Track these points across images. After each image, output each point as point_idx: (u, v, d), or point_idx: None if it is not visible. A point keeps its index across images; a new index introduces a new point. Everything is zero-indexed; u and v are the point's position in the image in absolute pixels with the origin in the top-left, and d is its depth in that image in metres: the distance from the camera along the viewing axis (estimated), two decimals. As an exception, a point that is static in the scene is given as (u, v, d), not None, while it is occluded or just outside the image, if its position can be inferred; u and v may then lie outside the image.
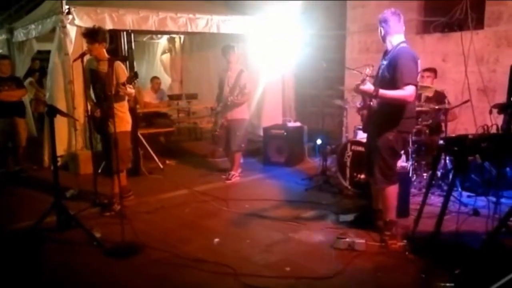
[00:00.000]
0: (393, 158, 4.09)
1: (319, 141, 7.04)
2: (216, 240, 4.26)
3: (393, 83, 3.84)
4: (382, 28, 4.06)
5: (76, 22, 6.60)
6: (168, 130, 8.54)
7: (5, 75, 6.79)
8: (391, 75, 3.88)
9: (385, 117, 3.97)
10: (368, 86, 3.80)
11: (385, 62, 4.02)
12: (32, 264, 3.97)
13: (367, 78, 3.81)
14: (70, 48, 6.64)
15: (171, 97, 9.92)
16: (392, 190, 4.08)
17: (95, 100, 5.15)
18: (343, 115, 6.61)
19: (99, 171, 5.88)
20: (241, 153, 6.59)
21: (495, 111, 4.05)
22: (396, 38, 4.00)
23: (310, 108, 8.75)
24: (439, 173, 5.44)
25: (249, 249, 4.18)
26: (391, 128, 3.95)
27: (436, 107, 5.49)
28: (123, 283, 3.61)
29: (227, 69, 6.38)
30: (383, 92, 3.79)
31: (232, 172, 6.48)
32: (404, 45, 3.97)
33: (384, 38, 4.09)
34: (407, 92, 3.76)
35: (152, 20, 7.27)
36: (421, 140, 5.65)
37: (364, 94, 4.02)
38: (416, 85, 3.88)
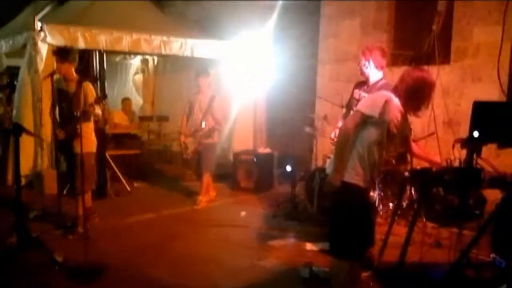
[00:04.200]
0: None
1: (288, 168, 7.08)
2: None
3: None
4: (365, 60, 4.14)
5: (48, 39, 6.51)
6: (136, 152, 8.44)
7: (-27, 91, 6.67)
8: None
9: None
10: None
11: (364, 94, 4.11)
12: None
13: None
14: (41, 66, 6.53)
15: (142, 119, 9.84)
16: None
17: (59, 120, 5.08)
18: (313, 142, 6.68)
19: (64, 192, 5.76)
20: (211, 176, 6.56)
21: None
22: (378, 74, 4.12)
23: (281, 131, 8.81)
24: (404, 204, 5.53)
25: (215, 274, 4.14)
26: None
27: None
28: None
29: (198, 92, 6.39)
30: None
31: (200, 198, 6.43)
32: (384, 81, 4.09)
33: (364, 70, 4.18)
34: None
35: (125, 41, 7.23)
36: (387, 169, 5.74)
37: None
38: None
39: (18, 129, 4.48)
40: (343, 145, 3.13)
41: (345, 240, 3.20)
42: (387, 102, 3.06)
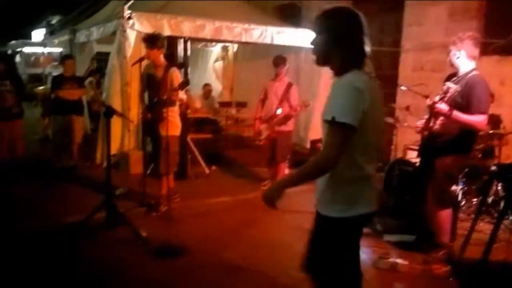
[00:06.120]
0: (448, 182, 4.03)
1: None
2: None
3: (465, 110, 3.78)
4: (456, 50, 3.96)
5: (136, 27, 6.82)
6: (215, 136, 8.67)
7: (68, 74, 7.13)
8: (465, 102, 3.80)
9: (447, 140, 3.92)
10: (443, 106, 3.79)
11: (454, 86, 3.90)
12: (79, 258, 4.13)
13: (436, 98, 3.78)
14: (129, 52, 6.86)
15: (221, 104, 10.08)
16: (444, 214, 4.02)
17: (147, 104, 5.32)
18: (393, 133, 6.52)
19: (148, 172, 6.04)
20: (287, 164, 6.60)
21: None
22: (470, 64, 3.92)
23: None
24: (490, 199, 5.28)
25: (289, 261, 4.17)
26: (451, 153, 3.90)
27: (490, 131, 5.34)
28: (166, 283, 3.71)
29: (275, 79, 6.40)
30: (457, 114, 3.76)
31: (276, 183, 6.45)
32: (476, 72, 3.88)
33: (455, 61, 3.99)
34: (480, 120, 3.74)
35: (208, 28, 7.42)
36: (472, 164, 5.49)
37: (438, 113, 3.93)
38: (488, 115, 3.83)
39: (110, 112, 4.76)
40: None
41: None
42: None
